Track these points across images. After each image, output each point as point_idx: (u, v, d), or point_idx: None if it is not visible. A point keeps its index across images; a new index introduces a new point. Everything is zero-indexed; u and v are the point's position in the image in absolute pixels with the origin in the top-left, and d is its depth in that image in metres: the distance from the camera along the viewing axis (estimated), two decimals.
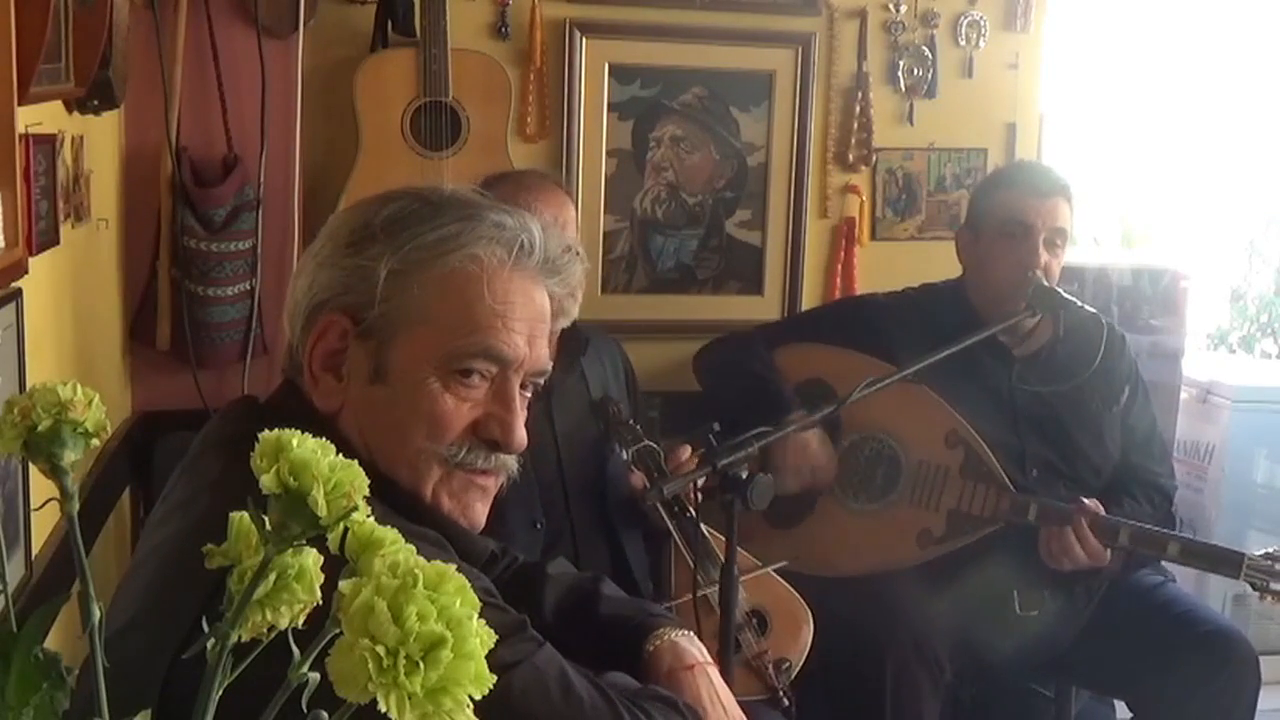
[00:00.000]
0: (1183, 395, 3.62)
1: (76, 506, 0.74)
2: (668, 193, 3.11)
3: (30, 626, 0.71)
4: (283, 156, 2.72)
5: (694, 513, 2.16)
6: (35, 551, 1.77)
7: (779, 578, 2.27)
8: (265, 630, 0.70)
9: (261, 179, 2.69)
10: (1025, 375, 2.62)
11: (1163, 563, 2.74)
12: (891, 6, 3.17)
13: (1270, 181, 5.32)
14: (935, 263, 2.97)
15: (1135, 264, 3.64)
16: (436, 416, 1.23)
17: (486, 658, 0.64)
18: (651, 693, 1.30)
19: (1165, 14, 4.91)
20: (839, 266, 3.22)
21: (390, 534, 0.70)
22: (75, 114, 2.07)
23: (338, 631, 0.64)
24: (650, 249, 3.12)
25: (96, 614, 0.71)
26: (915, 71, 3.20)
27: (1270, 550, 2.34)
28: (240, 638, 0.69)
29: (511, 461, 1.29)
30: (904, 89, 3.21)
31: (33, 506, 1.69)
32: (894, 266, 3.14)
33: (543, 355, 1.29)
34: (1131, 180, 5.38)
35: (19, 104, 1.56)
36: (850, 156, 3.20)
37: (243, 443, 0.72)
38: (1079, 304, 2.53)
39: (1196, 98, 5.19)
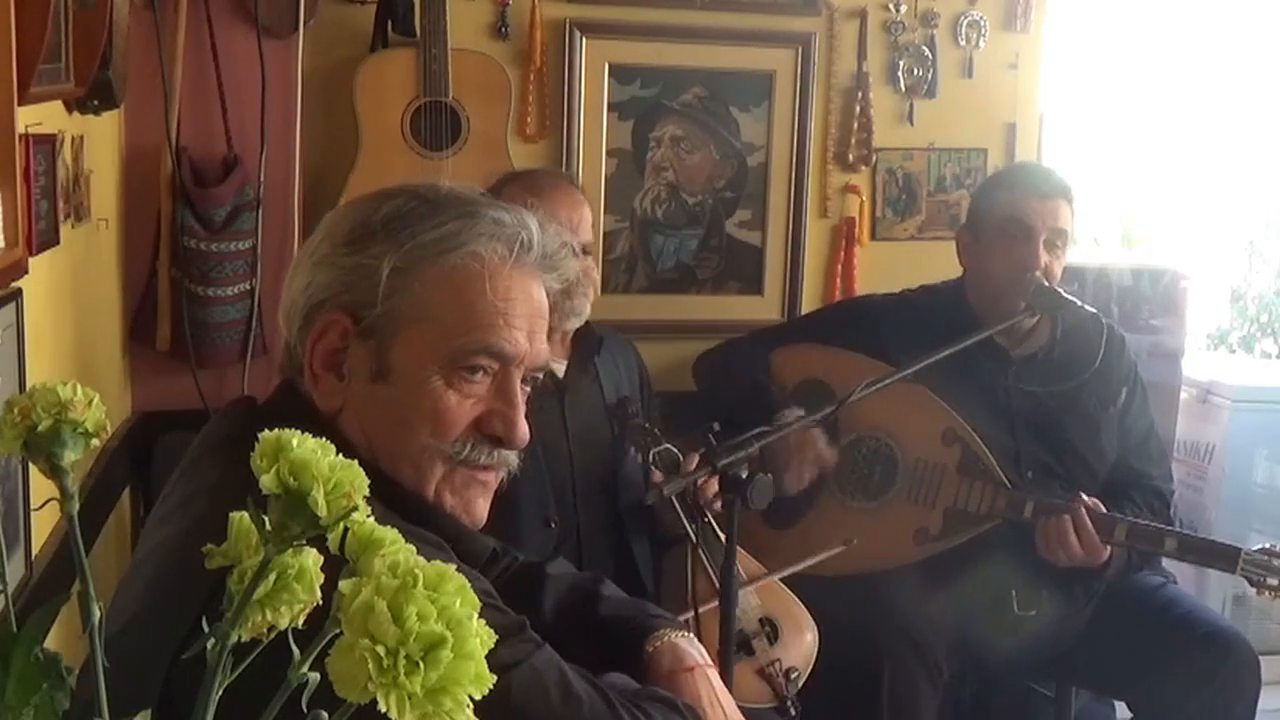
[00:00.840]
0: (1183, 395, 3.62)
1: (76, 507, 0.74)
2: (668, 193, 3.11)
3: (30, 626, 0.71)
4: (283, 156, 2.72)
5: (710, 518, 2.16)
6: (35, 551, 1.77)
7: (784, 587, 2.27)
8: (265, 630, 0.70)
9: (261, 179, 2.69)
10: (1022, 376, 2.62)
11: (1163, 563, 2.74)
12: (891, 6, 3.17)
13: (1270, 182, 5.33)
14: (935, 263, 2.97)
15: (1135, 264, 3.64)
16: (440, 414, 1.23)
17: (485, 658, 0.64)
18: (651, 693, 1.30)
19: (1165, 14, 4.91)
20: (839, 266, 3.22)
21: (390, 534, 0.70)
22: (75, 114, 2.07)
23: (338, 631, 0.64)
24: (650, 249, 3.12)
25: (96, 614, 0.71)
26: (915, 71, 3.20)
27: (1267, 546, 2.35)
28: (240, 638, 0.69)
29: (512, 457, 1.29)
30: (904, 89, 3.21)
31: (33, 506, 1.69)
32: (894, 266, 3.14)
33: (542, 350, 1.30)
34: (1131, 180, 5.39)
35: (19, 104, 1.56)
36: (850, 156, 3.20)
37: (242, 443, 0.72)
38: (1079, 304, 2.54)
39: (1197, 98, 5.20)
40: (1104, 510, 2.44)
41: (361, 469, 0.70)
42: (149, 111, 2.59)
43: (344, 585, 0.66)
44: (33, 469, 0.95)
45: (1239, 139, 5.25)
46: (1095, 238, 5.20)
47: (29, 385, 1.63)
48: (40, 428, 0.72)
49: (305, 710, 0.67)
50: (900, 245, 3.27)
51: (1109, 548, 2.42)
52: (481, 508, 1.29)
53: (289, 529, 0.68)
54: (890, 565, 2.55)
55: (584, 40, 2.97)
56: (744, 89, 3.11)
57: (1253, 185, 5.40)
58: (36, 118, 1.74)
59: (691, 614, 1.86)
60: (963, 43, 3.22)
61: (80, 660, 0.75)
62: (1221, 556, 2.38)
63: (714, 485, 2.06)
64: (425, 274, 1.22)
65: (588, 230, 2.44)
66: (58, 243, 1.91)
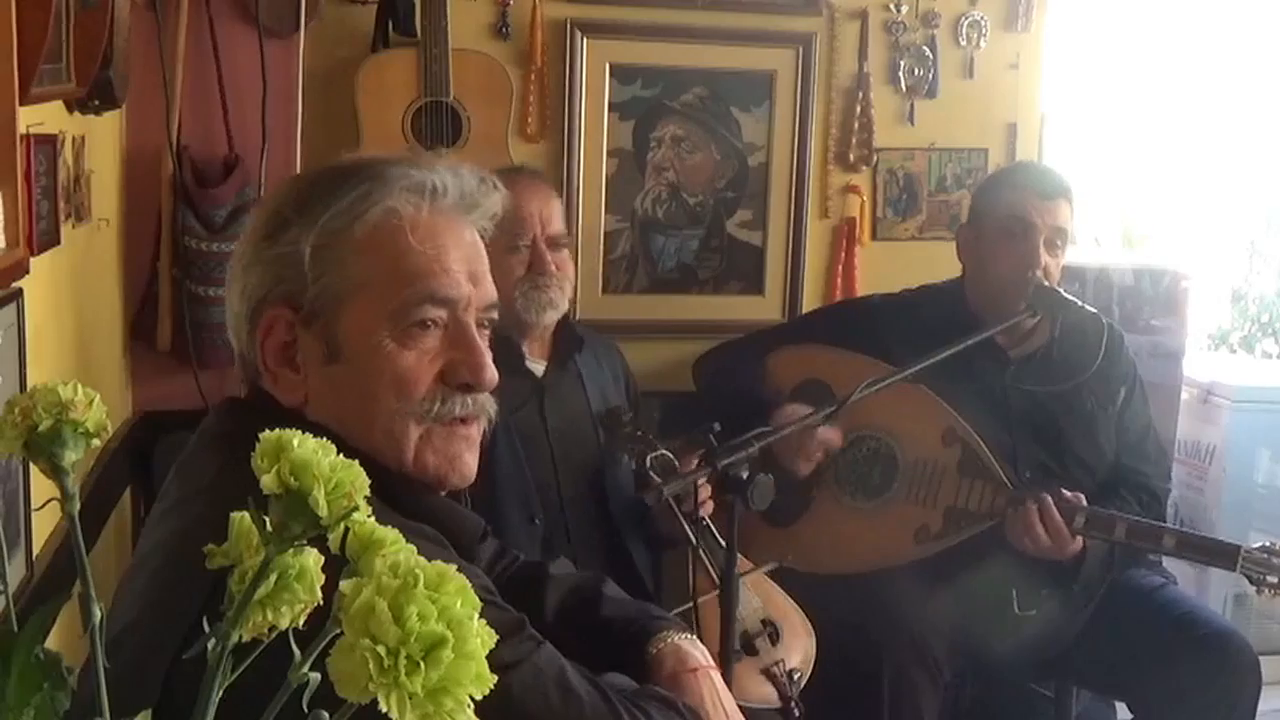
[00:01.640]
0: (1183, 395, 3.62)
1: (77, 506, 0.74)
2: (668, 193, 3.11)
3: (31, 627, 0.72)
4: (284, 157, 2.72)
5: (708, 520, 2.16)
6: (36, 551, 1.77)
7: (781, 591, 2.27)
8: (266, 630, 0.70)
9: (262, 179, 2.69)
10: (1021, 376, 2.62)
11: (1163, 563, 2.74)
12: (892, 7, 3.16)
13: (1271, 182, 5.32)
14: (936, 263, 2.97)
15: (1136, 264, 3.64)
16: (400, 375, 1.22)
17: (486, 658, 0.64)
18: (651, 693, 1.30)
19: (1166, 14, 4.91)
20: (840, 267, 3.22)
21: (391, 534, 0.70)
22: (76, 114, 2.07)
23: (338, 632, 0.64)
24: (651, 249, 3.12)
25: (97, 614, 0.71)
26: (916, 71, 3.20)
27: (1267, 544, 2.34)
28: (241, 638, 0.69)
29: (489, 403, 1.27)
30: (905, 89, 3.20)
31: (33, 506, 1.69)
32: (895, 266, 3.14)
33: (489, 289, 1.28)
34: (1132, 180, 5.38)
35: (20, 104, 1.56)
36: (851, 156, 3.20)
37: (236, 439, 0.72)
38: (1079, 304, 2.54)
39: (1197, 98, 5.19)
40: (1097, 508, 2.44)
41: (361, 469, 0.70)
42: (150, 111, 2.59)
43: (345, 585, 0.66)
44: (33, 469, 0.95)
45: (1239, 139, 5.25)
46: (1096, 238, 5.19)
47: (30, 385, 1.62)
48: (41, 428, 0.72)
49: (306, 710, 0.68)
50: (901, 245, 3.27)
51: (1078, 539, 2.42)
52: (469, 463, 1.27)
53: (290, 529, 0.68)
54: (890, 565, 2.55)
55: (585, 40, 2.97)
56: (745, 89, 3.11)
57: (1253, 185, 5.39)
58: (38, 118, 1.74)
59: (690, 605, 1.86)
60: (963, 43, 3.22)
61: (81, 660, 0.75)
62: (1221, 554, 2.37)
63: (706, 490, 2.06)
64: (347, 243, 1.21)
65: (559, 222, 2.44)
66: (59, 243, 1.91)
